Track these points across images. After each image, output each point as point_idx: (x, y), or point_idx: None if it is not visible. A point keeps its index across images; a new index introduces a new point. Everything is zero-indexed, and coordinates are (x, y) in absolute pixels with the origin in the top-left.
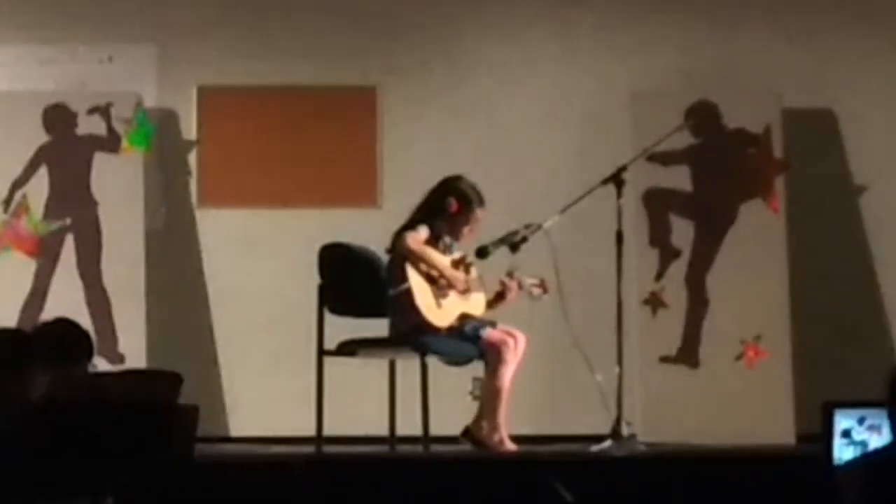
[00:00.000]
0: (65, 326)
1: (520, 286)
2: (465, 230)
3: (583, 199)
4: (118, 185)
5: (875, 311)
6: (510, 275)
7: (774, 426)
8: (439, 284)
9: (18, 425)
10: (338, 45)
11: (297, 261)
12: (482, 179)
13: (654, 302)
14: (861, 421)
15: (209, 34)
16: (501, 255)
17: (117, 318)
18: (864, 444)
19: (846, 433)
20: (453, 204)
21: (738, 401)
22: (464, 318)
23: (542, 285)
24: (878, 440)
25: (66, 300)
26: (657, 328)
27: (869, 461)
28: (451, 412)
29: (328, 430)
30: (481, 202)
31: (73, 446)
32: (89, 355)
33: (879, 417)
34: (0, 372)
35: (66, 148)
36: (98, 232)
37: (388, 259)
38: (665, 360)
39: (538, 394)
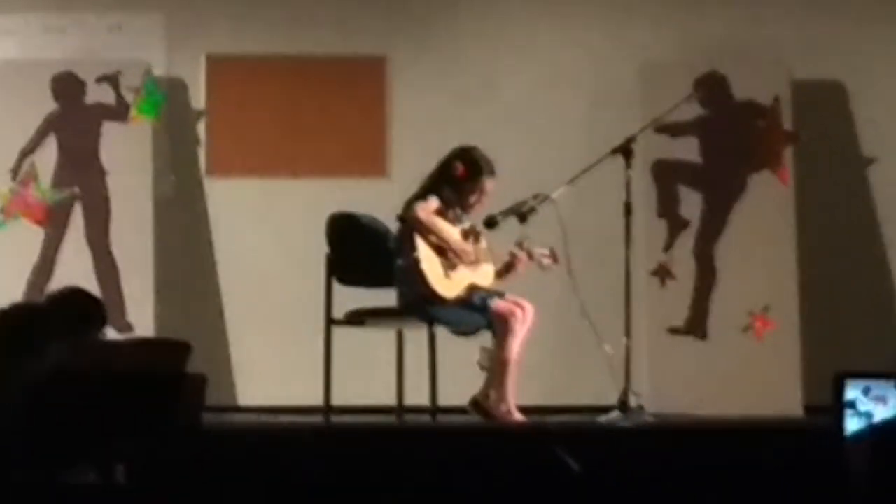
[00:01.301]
0: (79, 294)
1: (530, 257)
2: (473, 199)
3: (591, 170)
4: (127, 153)
5: (883, 282)
6: (520, 245)
7: (782, 398)
8: (448, 255)
9: (31, 397)
10: (347, 15)
11: (305, 230)
12: (491, 149)
13: (663, 273)
14: (866, 391)
15: (218, 3)
16: (510, 226)
17: (125, 287)
18: (869, 414)
19: (851, 404)
20: (459, 167)
21: (746, 372)
22: (472, 288)
23: (553, 255)
24: (883, 411)
25: (75, 269)
26: (665, 299)
27: (878, 432)
28: (459, 382)
29: (336, 400)
30: (491, 172)
31: (82, 415)
32: (103, 323)
33: (885, 388)
34: (14, 347)
35: (75, 116)
36: (106, 201)
37: (396, 228)
38: (673, 331)
39: (546, 364)
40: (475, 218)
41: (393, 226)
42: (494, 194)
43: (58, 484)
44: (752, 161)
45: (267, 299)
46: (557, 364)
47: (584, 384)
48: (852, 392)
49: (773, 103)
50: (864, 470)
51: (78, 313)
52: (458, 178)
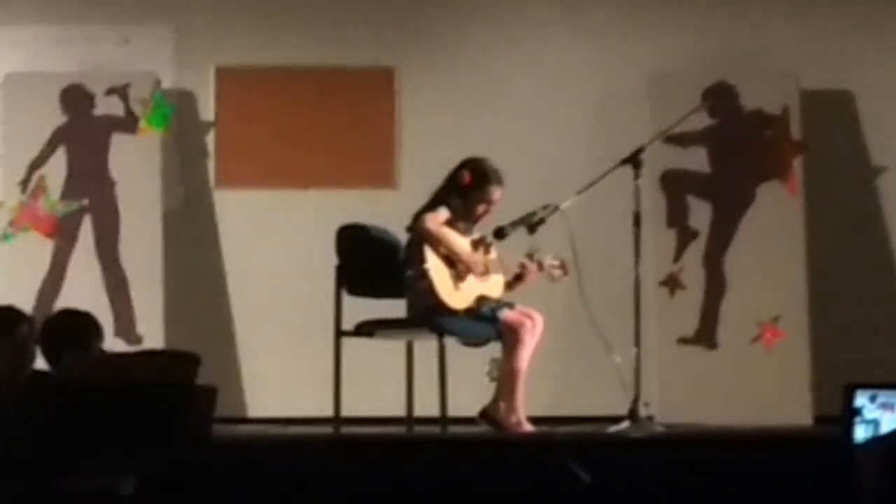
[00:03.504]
0: (70, 316)
1: (540, 267)
2: (480, 209)
3: (600, 181)
4: (136, 165)
5: (893, 291)
6: (530, 256)
7: (792, 408)
8: (457, 266)
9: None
10: (356, 26)
11: (314, 242)
12: (500, 160)
13: (672, 283)
14: (873, 399)
15: (227, 15)
16: (519, 236)
17: (135, 298)
18: (875, 422)
19: (858, 411)
20: (466, 176)
21: (756, 382)
22: (482, 299)
23: (563, 266)
24: (890, 418)
25: (84, 281)
26: (675, 309)
27: (888, 442)
28: (469, 393)
29: (345, 411)
30: (499, 181)
31: (92, 426)
32: (100, 337)
33: (891, 395)
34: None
35: (84, 129)
36: (116, 213)
37: (406, 240)
38: (683, 341)
39: (555, 375)
40: (484, 228)
41: (402, 237)
42: (503, 205)
43: (67, 494)
44: (761, 171)
45: (276, 310)
46: (567, 374)
47: (594, 394)
48: (859, 400)
49: (781, 113)
50: (873, 480)
51: (73, 333)
52: (464, 186)
